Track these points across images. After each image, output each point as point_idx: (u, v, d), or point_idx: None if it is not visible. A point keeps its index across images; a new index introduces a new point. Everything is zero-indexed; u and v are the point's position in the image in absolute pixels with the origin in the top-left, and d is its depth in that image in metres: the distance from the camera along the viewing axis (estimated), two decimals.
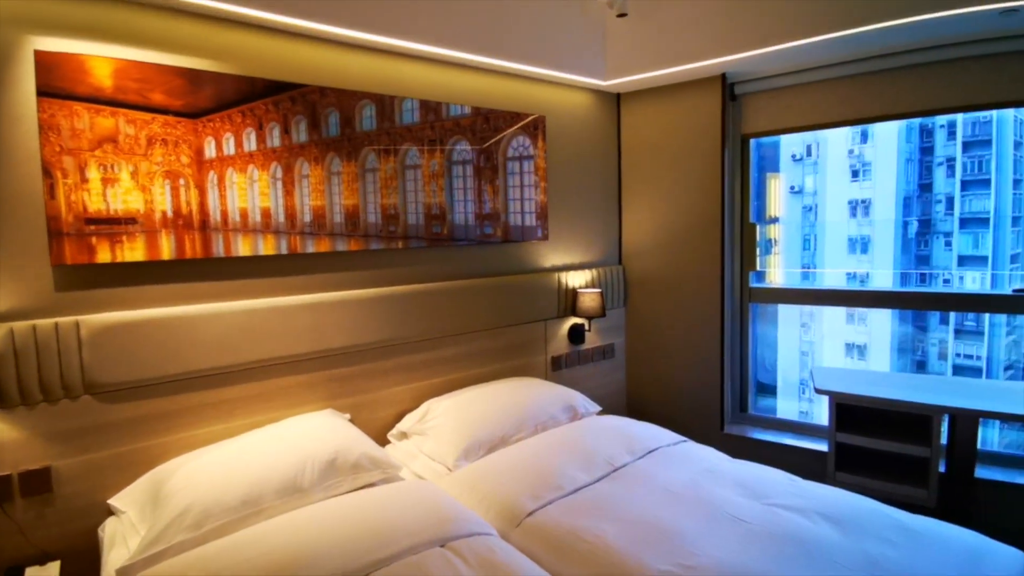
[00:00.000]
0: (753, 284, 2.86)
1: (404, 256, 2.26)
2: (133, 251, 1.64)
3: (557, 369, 2.74)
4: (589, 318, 2.71)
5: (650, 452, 2.03)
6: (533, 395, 2.27)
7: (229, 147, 1.81)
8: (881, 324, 4.21)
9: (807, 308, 4.03)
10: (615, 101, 3.01)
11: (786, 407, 3.03)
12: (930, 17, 2.00)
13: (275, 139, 1.88)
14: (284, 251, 1.92)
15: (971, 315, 3.91)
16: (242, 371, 1.83)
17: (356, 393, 2.11)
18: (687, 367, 2.87)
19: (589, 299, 2.66)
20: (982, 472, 2.24)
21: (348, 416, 2.05)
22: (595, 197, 2.95)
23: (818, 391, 2.21)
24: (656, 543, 1.49)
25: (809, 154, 4.79)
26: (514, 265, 2.62)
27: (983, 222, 4.39)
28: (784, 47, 2.29)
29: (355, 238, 2.10)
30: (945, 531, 1.51)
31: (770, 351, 3.59)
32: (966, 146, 4.50)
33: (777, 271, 4.07)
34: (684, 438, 2.17)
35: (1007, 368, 4.08)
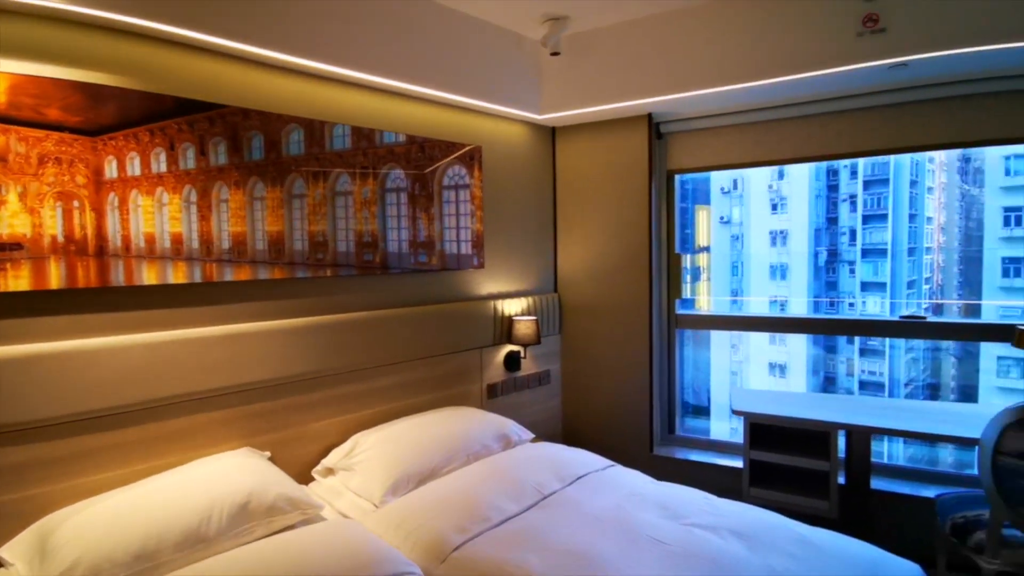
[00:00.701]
0: (680, 311, 2.99)
1: (333, 284, 2.20)
2: (17, 279, 1.49)
3: (493, 397, 2.74)
4: (525, 345, 2.74)
5: (579, 478, 2.05)
6: (466, 425, 2.25)
7: (134, 167, 1.70)
8: (799, 345, 4.51)
9: (736, 331, 4.25)
10: (550, 134, 3.11)
11: (719, 427, 3.17)
12: (829, 72, 2.23)
13: (189, 161, 1.80)
14: (198, 279, 1.82)
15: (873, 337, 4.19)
16: (145, 410, 1.70)
17: (279, 429, 2.01)
18: (619, 392, 2.94)
19: (525, 326, 2.68)
20: (878, 484, 2.43)
21: (268, 454, 1.94)
22: (531, 226, 3.01)
23: (735, 412, 2.33)
24: (579, 571, 1.51)
25: (735, 187, 5.13)
26: (450, 293, 2.62)
27: (882, 252, 4.84)
28: (701, 93, 2.47)
29: (280, 266, 2.02)
30: (844, 544, 1.62)
31: (703, 373, 3.76)
32: (867, 184, 4.98)
33: (707, 297, 4.29)
34: (612, 462, 2.21)
35: (906, 384, 4.48)
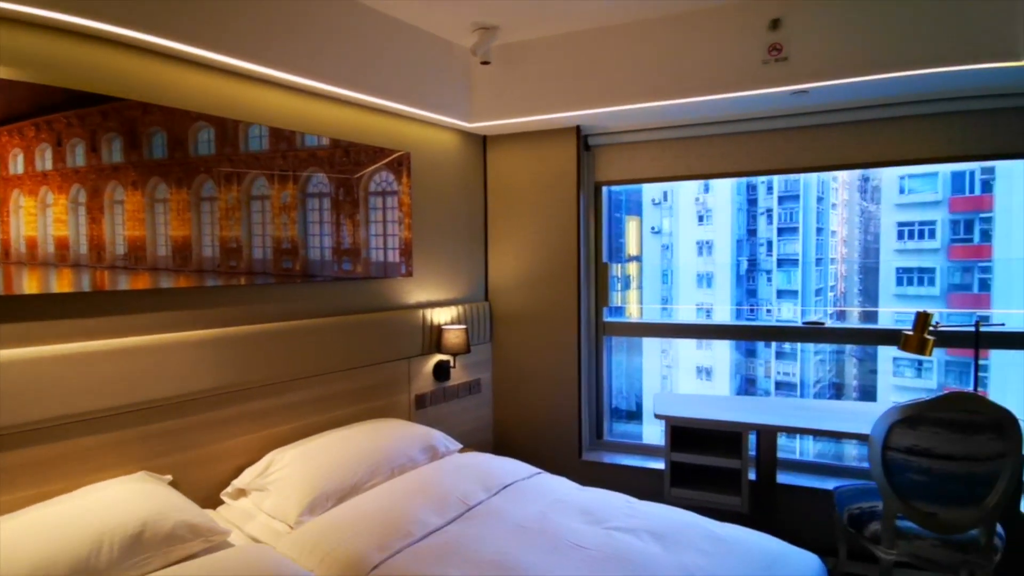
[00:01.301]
0: (608, 318, 3.07)
1: (248, 294, 2.07)
2: None
3: (421, 408, 2.68)
4: (454, 354, 2.70)
5: (505, 487, 2.04)
6: (390, 437, 2.18)
7: (16, 165, 1.54)
8: (723, 350, 4.76)
9: (662, 338, 4.39)
10: (482, 143, 3.11)
11: (651, 431, 3.25)
12: (739, 95, 2.39)
13: (78, 158, 1.64)
14: (86, 288, 1.66)
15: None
16: (21, 433, 1.52)
17: (183, 449, 1.86)
18: (548, 399, 2.96)
19: (454, 335, 2.65)
20: (786, 478, 2.58)
21: (168, 478, 1.79)
22: (462, 235, 2.99)
23: (657, 416, 2.41)
24: None
25: (666, 199, 5.36)
26: (376, 302, 2.54)
27: (794, 262, 5.21)
28: (625, 108, 2.57)
29: (186, 274, 1.88)
30: (751, 539, 1.70)
31: (636, 379, 3.87)
32: (781, 199, 5.34)
33: (637, 305, 4.44)
34: (539, 470, 2.22)
35: (815, 384, 4.82)
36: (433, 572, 1.54)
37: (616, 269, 4.30)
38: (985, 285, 4.13)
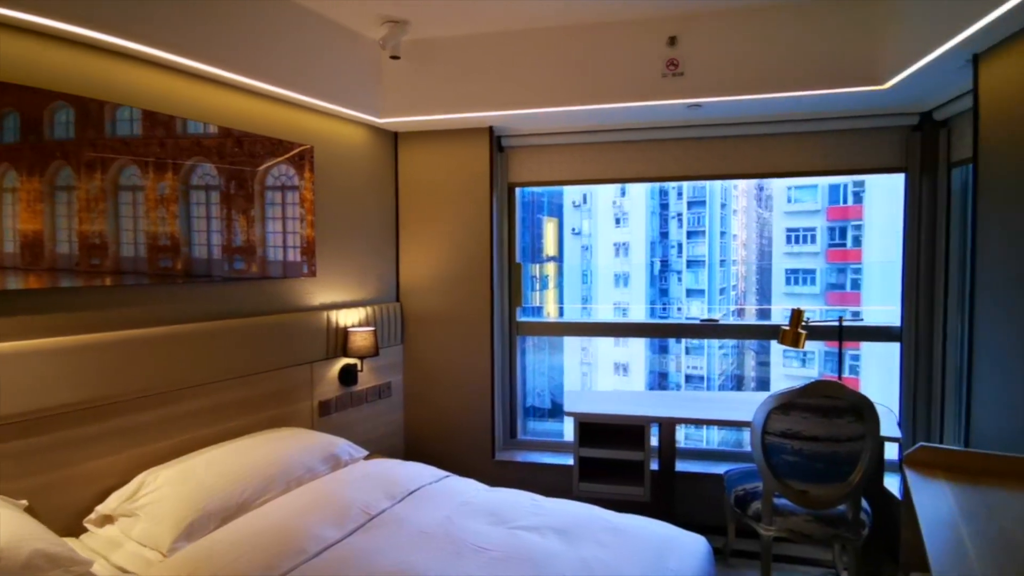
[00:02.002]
0: (521, 318, 3.09)
1: (115, 296, 1.86)
2: None
3: (326, 415, 2.55)
4: (362, 358, 2.60)
5: (411, 493, 1.99)
6: (286, 448, 2.05)
7: None
8: (638, 346, 4.98)
9: (575, 336, 4.48)
10: (393, 140, 3.02)
11: (571, 427, 3.29)
12: (640, 105, 2.49)
13: None
14: None
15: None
16: None
17: (39, 472, 1.64)
18: (461, 401, 2.94)
19: (361, 338, 2.55)
20: (684, 466, 2.74)
21: (24, 503, 1.56)
22: (371, 234, 2.89)
23: (567, 414, 2.45)
24: None
25: (585, 202, 5.51)
26: (275, 304, 2.38)
27: (701, 263, 5.55)
28: (534, 111, 2.60)
29: (36, 273, 1.66)
30: (646, 526, 1.78)
31: (558, 376, 3.94)
32: (690, 205, 5.68)
33: (554, 304, 4.52)
34: (447, 473, 2.18)
35: (720, 376, 5.16)
36: None
37: (535, 269, 4.36)
38: (856, 284, 4.62)
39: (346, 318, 2.64)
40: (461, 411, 2.94)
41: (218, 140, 2.13)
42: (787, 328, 2.47)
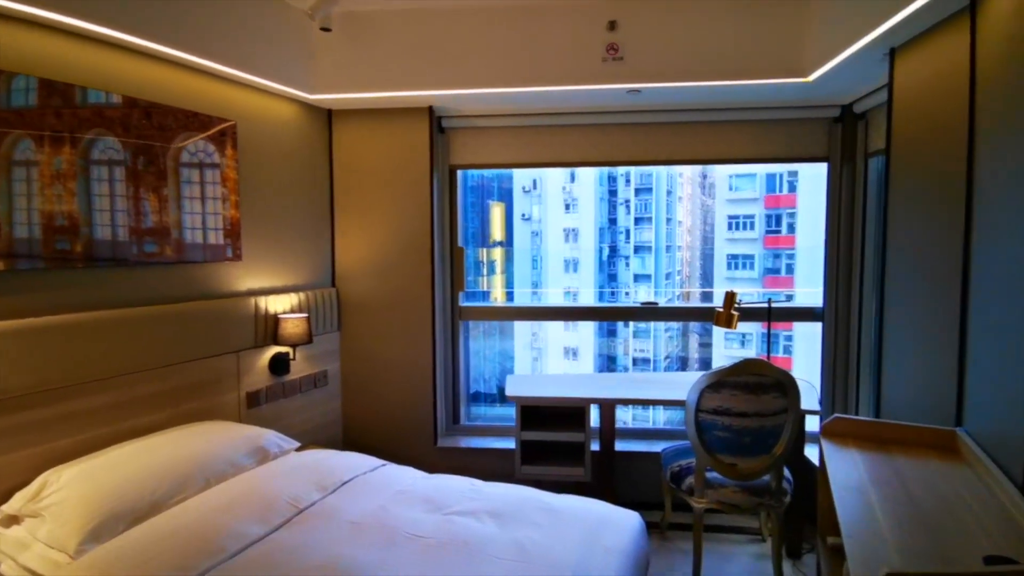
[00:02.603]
0: (466, 303, 3.04)
1: (10, 281, 1.68)
2: None
3: (255, 406, 2.43)
4: (294, 345, 2.48)
5: (344, 484, 1.92)
6: (206, 442, 1.94)
7: None
8: (587, 331, 5.04)
9: (520, 321, 4.46)
10: (326, 117, 2.88)
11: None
12: (580, 88, 2.47)
13: None
14: None
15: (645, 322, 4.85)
16: None
17: None
18: (403, 388, 2.87)
19: (292, 325, 2.43)
20: (625, 446, 2.80)
21: None
22: (303, 216, 2.75)
23: (508, 398, 2.44)
24: None
25: (535, 187, 5.50)
26: (194, 289, 2.23)
27: (648, 249, 5.66)
28: (475, 92, 2.53)
29: None
30: (582, 505, 1.79)
31: (509, 361, 3.92)
32: (637, 191, 5.75)
33: (501, 290, 4.51)
34: (384, 462, 2.13)
35: (666, 358, 5.30)
36: None
37: (483, 254, 4.30)
38: (790, 269, 4.84)
39: (276, 304, 2.51)
40: (402, 398, 2.88)
41: (122, 111, 1.95)
42: (721, 310, 2.55)
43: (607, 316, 3.16)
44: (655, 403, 2.39)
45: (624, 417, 3.77)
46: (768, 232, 5.08)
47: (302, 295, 2.66)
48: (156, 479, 1.69)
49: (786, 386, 1.96)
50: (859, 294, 2.58)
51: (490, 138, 2.93)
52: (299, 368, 2.64)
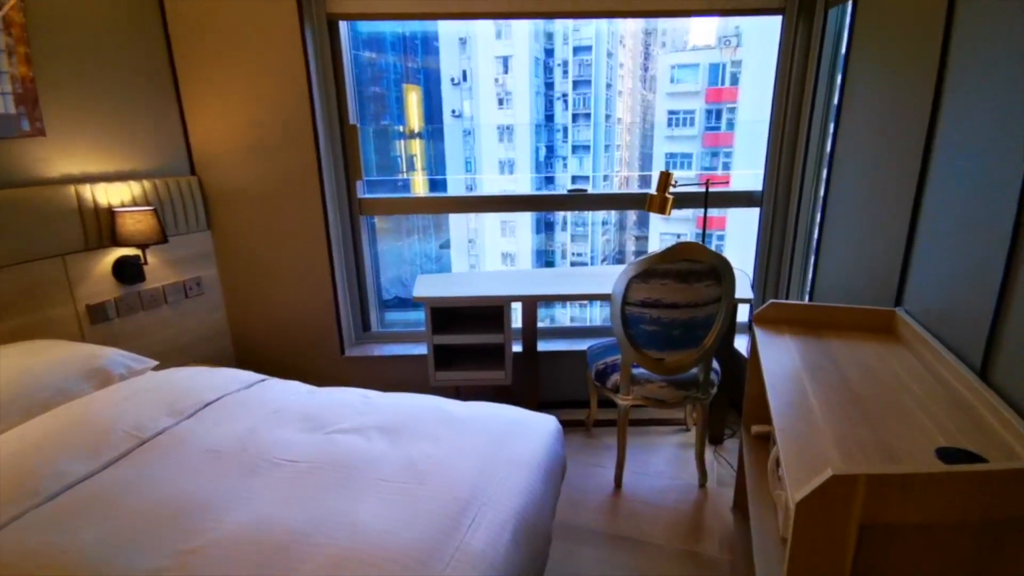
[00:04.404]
0: (368, 194, 2.60)
1: None
2: None
3: (102, 321, 1.98)
4: (142, 246, 2.00)
5: (208, 405, 1.59)
6: (26, 365, 1.53)
7: None
8: (525, 235, 4.76)
9: (472, 224, 4.05)
10: None
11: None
12: None
13: None
14: None
15: (581, 222, 4.66)
16: None
17: None
18: (298, 294, 2.49)
19: (134, 221, 1.94)
20: (550, 346, 2.61)
21: None
22: (131, 83, 2.11)
23: (415, 299, 2.13)
24: (157, 534, 1.11)
25: (465, 79, 4.88)
26: None
27: (587, 148, 5.29)
28: None
29: None
30: (490, 413, 1.57)
31: (445, 268, 3.60)
32: (575, 84, 5.26)
33: (424, 190, 4.06)
34: (264, 377, 1.80)
35: (603, 260, 5.17)
36: (58, 539, 1.09)
37: (399, 148, 3.81)
38: (727, 167, 4.66)
39: (110, 195, 1.98)
40: (298, 305, 2.50)
41: None
42: (655, 194, 2.28)
43: (531, 206, 2.82)
44: (575, 298, 2.16)
45: (562, 319, 3.59)
46: (708, 129, 4.83)
47: (147, 183, 2.12)
48: None
49: (721, 272, 1.75)
50: (800, 175, 2.37)
51: None
52: (160, 275, 2.17)
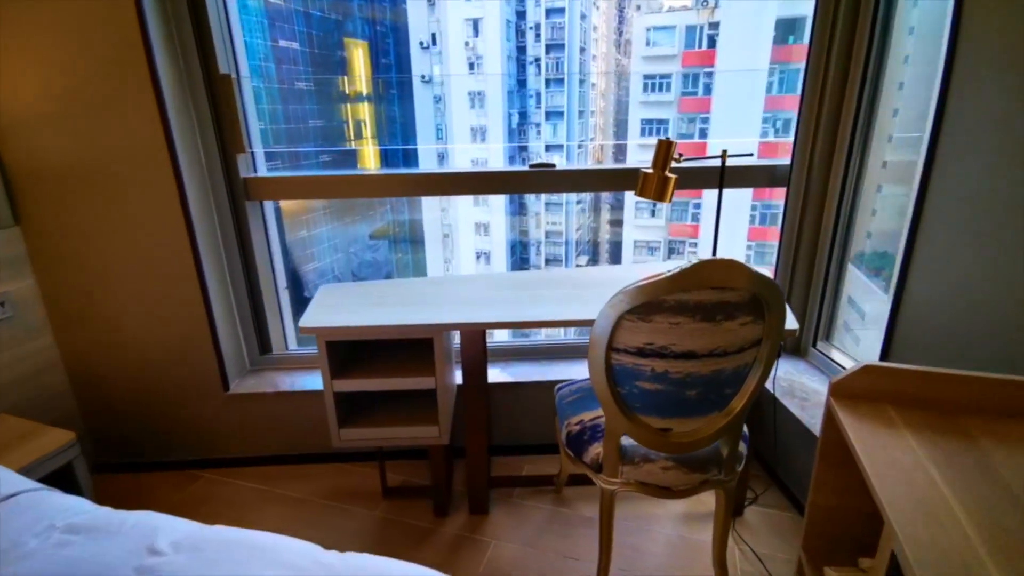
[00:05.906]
0: (253, 173, 1.87)
1: None
2: None
3: None
4: None
5: None
6: None
7: None
8: (498, 208, 4.41)
9: (444, 199, 3.69)
10: None
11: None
12: None
13: None
14: None
15: (555, 198, 4.37)
16: None
17: None
18: (155, 308, 1.78)
19: None
20: (512, 372, 1.96)
21: None
22: None
23: (302, 330, 1.44)
24: None
25: (434, 43, 4.50)
26: None
27: (560, 115, 4.94)
28: None
29: None
30: None
31: (421, 267, 3.17)
32: (548, 48, 4.92)
33: (374, 162, 3.45)
34: (15, 490, 1.11)
35: (578, 255, 4.76)
36: None
37: (345, 112, 3.05)
38: (704, 135, 4.29)
39: None
40: (157, 325, 1.80)
41: None
42: (649, 171, 1.61)
43: (488, 186, 2.11)
44: (543, 326, 1.54)
45: (531, 331, 3.00)
46: (684, 94, 4.52)
47: None
48: None
49: (766, 303, 1.12)
50: (847, 149, 1.74)
51: None
52: None
